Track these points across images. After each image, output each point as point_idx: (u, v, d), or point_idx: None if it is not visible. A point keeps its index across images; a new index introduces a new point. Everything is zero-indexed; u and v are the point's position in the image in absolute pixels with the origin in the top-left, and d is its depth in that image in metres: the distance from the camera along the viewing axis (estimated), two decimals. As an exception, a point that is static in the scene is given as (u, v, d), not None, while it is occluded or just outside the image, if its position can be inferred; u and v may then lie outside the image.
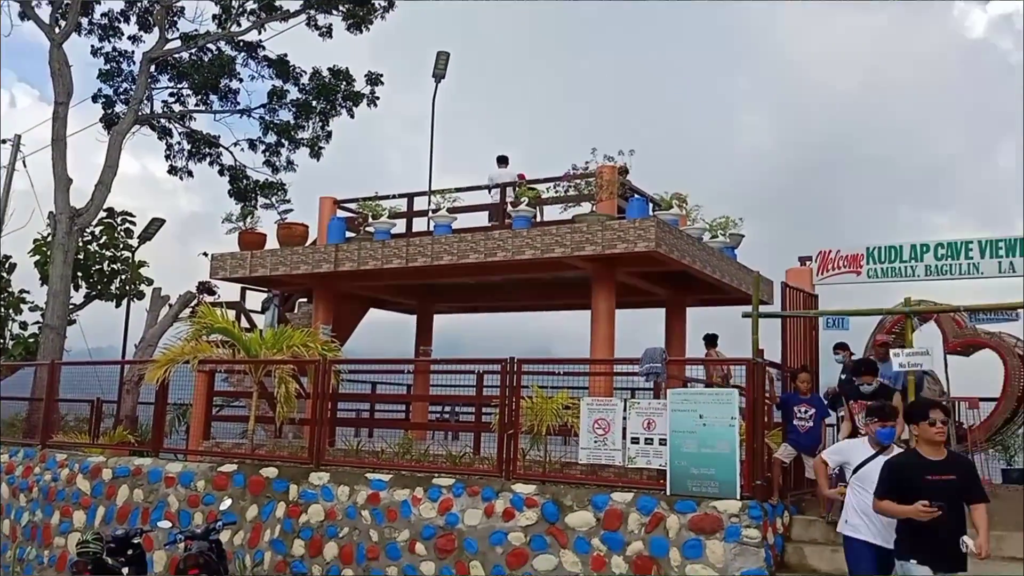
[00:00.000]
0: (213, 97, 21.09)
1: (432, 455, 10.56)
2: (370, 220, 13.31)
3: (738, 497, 8.03)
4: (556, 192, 12.32)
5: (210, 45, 20.72)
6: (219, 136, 21.86)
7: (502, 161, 14.72)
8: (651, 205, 12.40)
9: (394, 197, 13.79)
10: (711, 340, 12.75)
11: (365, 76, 20.89)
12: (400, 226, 13.68)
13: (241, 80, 21.26)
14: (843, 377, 10.47)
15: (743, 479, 8.12)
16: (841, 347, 11.07)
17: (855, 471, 6.22)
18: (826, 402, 9.59)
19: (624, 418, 8.78)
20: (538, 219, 12.52)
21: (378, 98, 21.05)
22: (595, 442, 8.87)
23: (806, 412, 8.78)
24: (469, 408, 13.49)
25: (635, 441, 8.67)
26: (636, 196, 12.10)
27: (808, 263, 11.42)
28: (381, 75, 20.94)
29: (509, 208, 12.41)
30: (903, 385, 9.76)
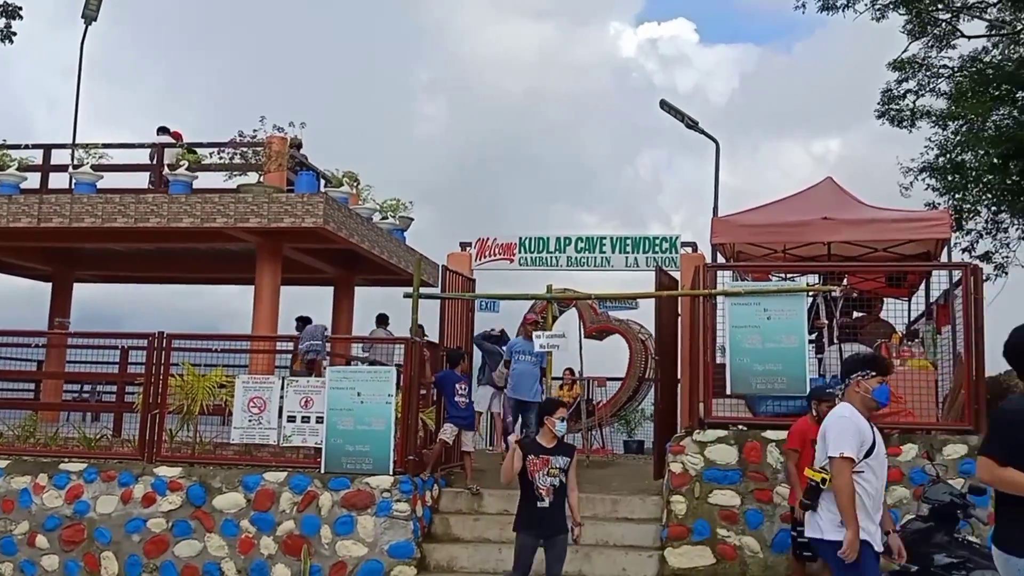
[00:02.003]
0: None
1: (62, 438, 9.56)
2: (-6, 171, 11.59)
3: (391, 473, 8.23)
4: (221, 159, 11.65)
5: None
6: None
7: (163, 131, 13.61)
8: (322, 181, 12.23)
9: (26, 147, 12.13)
10: (382, 319, 13.27)
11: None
12: (34, 181, 12.08)
13: None
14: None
15: (396, 455, 8.33)
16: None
17: (868, 454, 4.60)
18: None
19: (281, 396, 8.59)
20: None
21: (15, 33, 18.26)
22: (249, 421, 8.58)
23: (464, 389, 9.32)
24: (112, 387, 12.35)
25: (292, 419, 8.53)
26: (306, 171, 11.86)
27: (468, 249, 12.03)
28: (20, 8, 18.17)
29: (166, 172, 11.52)
30: (544, 364, 10.67)
